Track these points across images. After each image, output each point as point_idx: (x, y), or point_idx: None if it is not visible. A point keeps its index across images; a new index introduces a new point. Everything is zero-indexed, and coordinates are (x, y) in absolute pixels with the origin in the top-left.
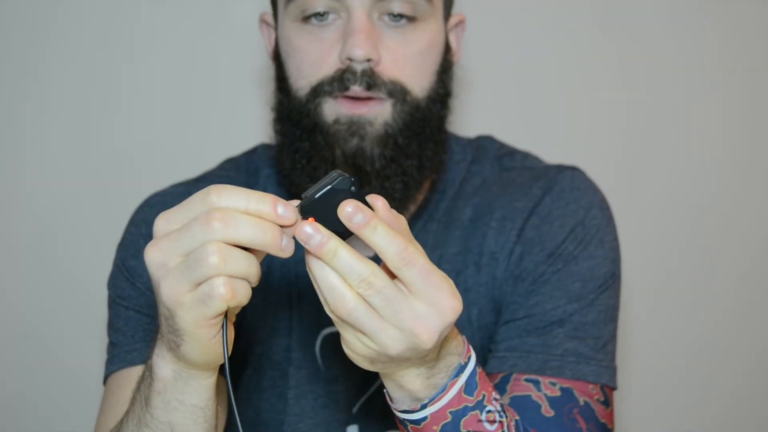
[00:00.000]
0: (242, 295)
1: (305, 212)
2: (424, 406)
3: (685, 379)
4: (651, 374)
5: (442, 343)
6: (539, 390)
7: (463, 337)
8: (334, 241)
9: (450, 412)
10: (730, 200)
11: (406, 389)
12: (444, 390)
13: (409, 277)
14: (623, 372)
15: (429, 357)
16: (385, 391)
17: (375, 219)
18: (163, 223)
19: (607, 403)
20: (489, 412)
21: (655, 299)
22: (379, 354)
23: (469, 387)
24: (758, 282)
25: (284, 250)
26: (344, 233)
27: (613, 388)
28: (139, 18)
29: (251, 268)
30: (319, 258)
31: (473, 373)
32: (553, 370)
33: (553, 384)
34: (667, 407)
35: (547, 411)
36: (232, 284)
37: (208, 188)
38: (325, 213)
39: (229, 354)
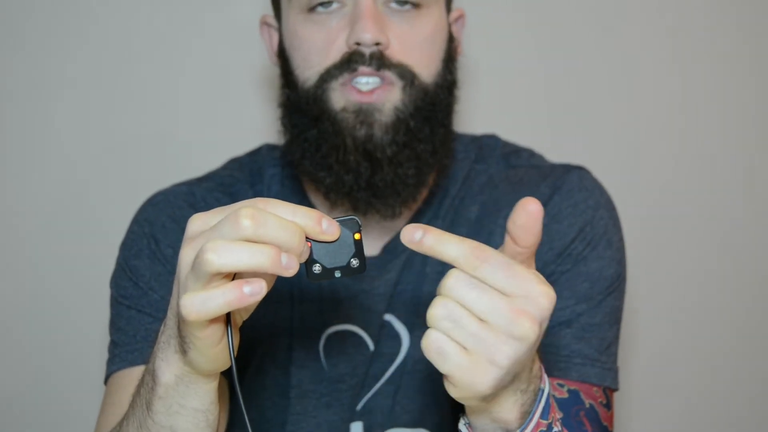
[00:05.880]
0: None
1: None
2: None
3: (684, 380)
4: (652, 376)
5: (531, 364)
6: None
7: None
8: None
9: None
10: (733, 201)
11: (501, 421)
12: (531, 417)
13: (490, 274)
14: (623, 373)
15: (525, 370)
16: (463, 422)
17: (437, 229)
18: (198, 224)
19: (609, 405)
20: None
21: (655, 300)
22: (503, 368)
23: (544, 411)
24: (761, 283)
25: (302, 256)
26: (345, 267)
27: (615, 390)
28: (141, 19)
29: (256, 258)
30: None
31: (548, 396)
32: (560, 371)
33: (561, 386)
34: (666, 409)
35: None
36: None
37: (255, 198)
38: (329, 247)
39: (236, 355)
